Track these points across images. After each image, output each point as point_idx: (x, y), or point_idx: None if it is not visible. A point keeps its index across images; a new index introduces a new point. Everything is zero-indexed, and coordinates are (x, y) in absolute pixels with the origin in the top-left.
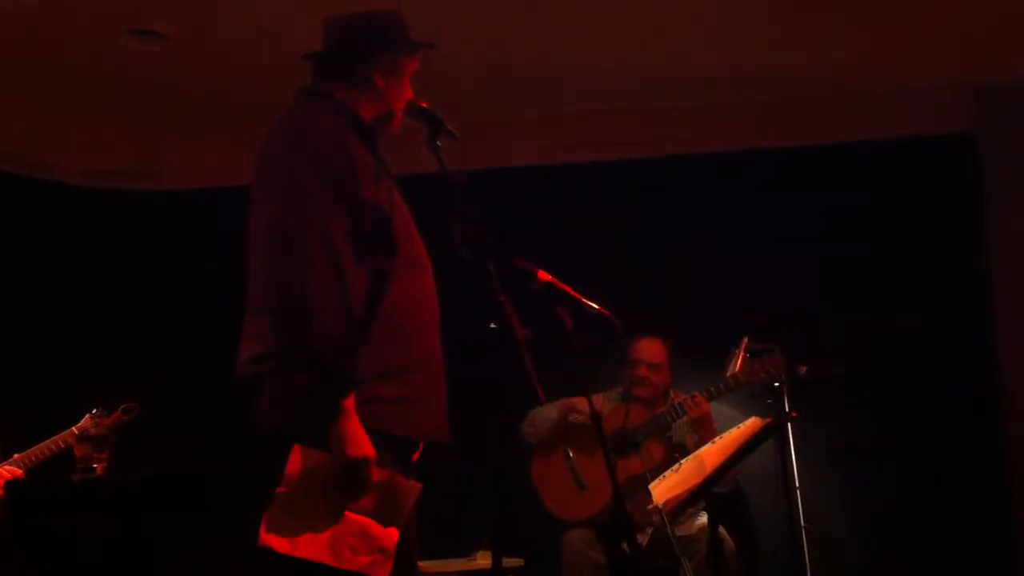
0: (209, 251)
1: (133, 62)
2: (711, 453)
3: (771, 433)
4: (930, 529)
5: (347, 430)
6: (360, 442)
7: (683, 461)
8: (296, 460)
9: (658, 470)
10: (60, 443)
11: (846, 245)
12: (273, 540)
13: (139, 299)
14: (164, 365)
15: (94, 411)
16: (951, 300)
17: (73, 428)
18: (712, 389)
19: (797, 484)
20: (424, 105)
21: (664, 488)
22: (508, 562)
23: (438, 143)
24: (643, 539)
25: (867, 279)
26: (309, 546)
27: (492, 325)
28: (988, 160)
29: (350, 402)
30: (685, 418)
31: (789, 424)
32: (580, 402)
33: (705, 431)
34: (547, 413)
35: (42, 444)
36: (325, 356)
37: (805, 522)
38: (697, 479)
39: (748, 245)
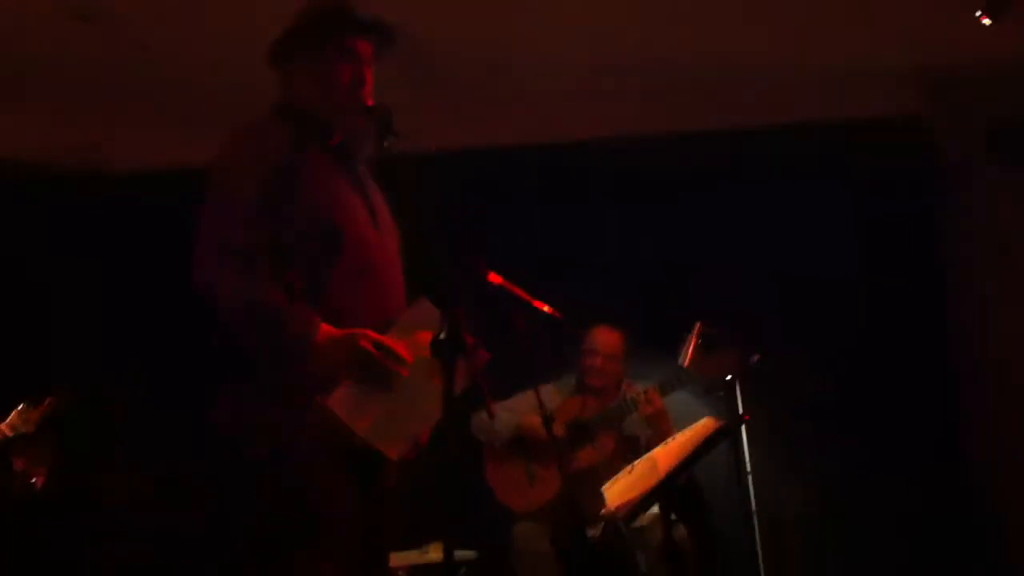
0: (152, 234)
1: (73, 44)
2: (664, 455)
3: (724, 436)
4: (881, 509)
5: (327, 352)
6: (342, 343)
7: (636, 463)
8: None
9: (610, 462)
10: None
11: (797, 231)
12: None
13: (81, 283)
14: (106, 351)
15: (20, 407)
16: (903, 283)
17: (2, 425)
18: (665, 384)
19: (748, 470)
20: (371, 104)
21: (617, 491)
22: (460, 555)
23: (385, 143)
24: (596, 531)
25: (819, 264)
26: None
27: (441, 335)
28: (941, 143)
29: (313, 336)
30: (638, 413)
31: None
32: (530, 421)
33: (661, 425)
34: (500, 430)
35: None
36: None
37: (756, 507)
38: (650, 482)
39: (699, 231)
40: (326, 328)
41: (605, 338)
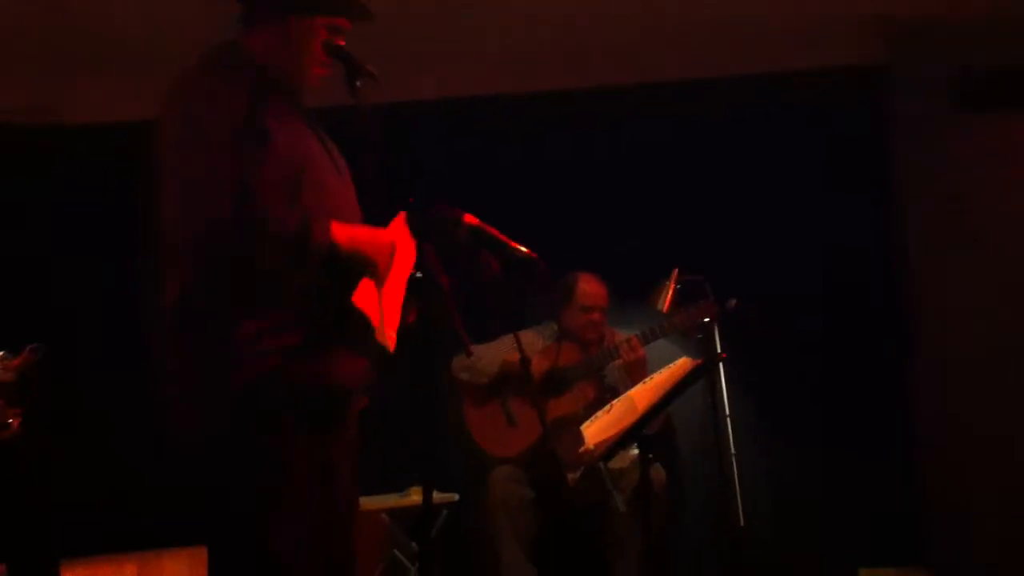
0: (109, 187)
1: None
2: (642, 394)
3: (701, 375)
4: (856, 452)
5: (357, 247)
6: (375, 241)
7: (614, 402)
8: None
9: (590, 410)
10: None
11: (762, 180)
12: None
13: (41, 239)
14: (68, 307)
15: (0, 355)
16: (862, 237)
17: None
18: (648, 332)
19: (727, 412)
20: (341, 44)
21: (595, 430)
22: (442, 497)
23: (357, 84)
24: (576, 475)
25: (784, 214)
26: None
27: (417, 274)
28: (902, 93)
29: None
30: (619, 361)
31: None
32: (515, 358)
33: (638, 375)
34: (484, 367)
35: None
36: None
37: (735, 451)
38: (628, 420)
39: (675, 179)
40: (341, 229)
41: (596, 290)
